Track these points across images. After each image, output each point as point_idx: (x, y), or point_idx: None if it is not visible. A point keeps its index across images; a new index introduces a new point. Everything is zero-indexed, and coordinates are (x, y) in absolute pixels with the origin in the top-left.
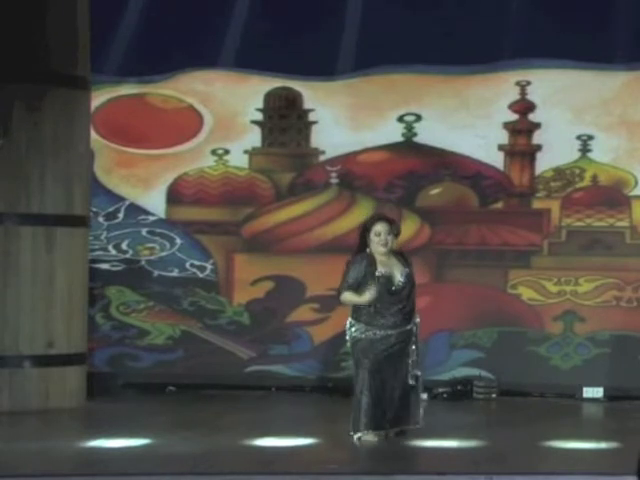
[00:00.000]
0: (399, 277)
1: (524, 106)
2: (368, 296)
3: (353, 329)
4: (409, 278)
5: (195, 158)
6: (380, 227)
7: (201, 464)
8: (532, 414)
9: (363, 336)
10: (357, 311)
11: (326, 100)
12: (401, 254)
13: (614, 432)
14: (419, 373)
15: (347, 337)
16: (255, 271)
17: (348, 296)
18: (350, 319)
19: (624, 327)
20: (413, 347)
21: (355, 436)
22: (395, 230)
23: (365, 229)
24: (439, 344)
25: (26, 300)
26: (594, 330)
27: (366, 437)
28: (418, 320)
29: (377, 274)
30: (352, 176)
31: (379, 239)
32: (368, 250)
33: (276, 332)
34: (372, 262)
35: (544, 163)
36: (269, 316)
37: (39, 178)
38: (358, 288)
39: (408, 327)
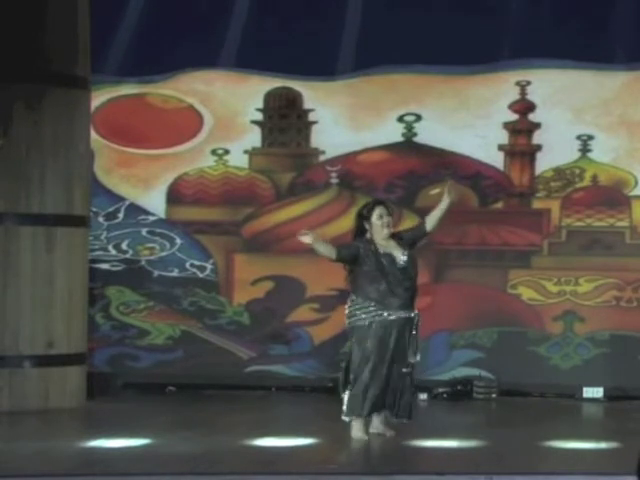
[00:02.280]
0: (401, 256)
1: (524, 106)
2: (329, 250)
3: (360, 311)
4: (411, 258)
5: (195, 158)
6: (380, 210)
7: (201, 464)
8: (532, 414)
9: (371, 321)
10: (364, 288)
11: (326, 100)
12: (399, 237)
13: (614, 432)
14: (413, 360)
15: (349, 317)
16: (255, 271)
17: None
18: (354, 297)
19: (624, 327)
20: (413, 332)
21: (347, 418)
22: (392, 211)
23: (363, 217)
24: (439, 344)
25: (26, 300)
26: (594, 330)
27: (356, 428)
28: (417, 312)
29: (381, 251)
30: (352, 176)
31: (382, 222)
32: (368, 235)
33: (276, 332)
34: (371, 242)
35: (544, 163)
36: (269, 316)
37: (39, 178)
38: (354, 261)
39: (412, 315)
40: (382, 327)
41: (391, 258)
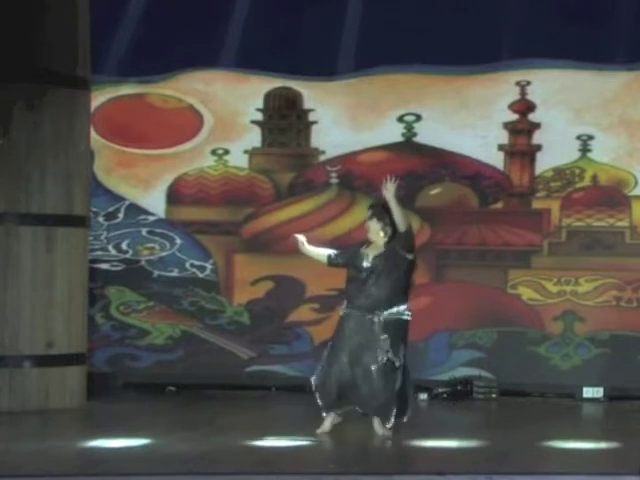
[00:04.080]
0: (366, 260)
1: (524, 106)
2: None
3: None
4: (376, 264)
5: (195, 158)
6: (366, 214)
7: (201, 464)
8: (532, 414)
9: (342, 314)
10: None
11: (326, 100)
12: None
13: (614, 432)
14: (386, 359)
15: None
16: (255, 271)
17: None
18: None
19: (624, 327)
20: (384, 336)
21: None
22: (375, 215)
23: None
24: (439, 344)
25: (26, 300)
26: (594, 330)
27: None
28: (390, 314)
29: (360, 252)
30: (352, 176)
31: (365, 225)
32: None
33: (276, 332)
34: (364, 244)
35: (544, 163)
36: (269, 316)
37: (39, 178)
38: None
39: (369, 316)
40: (343, 322)
41: (362, 260)
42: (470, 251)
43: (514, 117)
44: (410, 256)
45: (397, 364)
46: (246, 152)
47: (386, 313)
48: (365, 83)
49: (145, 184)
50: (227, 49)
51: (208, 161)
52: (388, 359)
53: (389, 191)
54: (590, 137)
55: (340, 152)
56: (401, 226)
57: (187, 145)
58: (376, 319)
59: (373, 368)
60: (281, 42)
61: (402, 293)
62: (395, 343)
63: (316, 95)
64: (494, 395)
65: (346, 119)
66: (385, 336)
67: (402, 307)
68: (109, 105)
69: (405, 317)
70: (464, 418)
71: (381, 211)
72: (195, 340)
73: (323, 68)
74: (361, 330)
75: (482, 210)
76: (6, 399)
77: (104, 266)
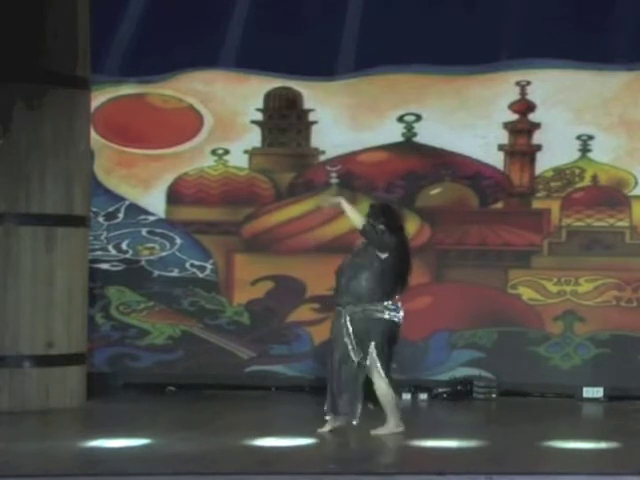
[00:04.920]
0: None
1: (524, 106)
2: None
3: None
4: (350, 260)
5: (195, 158)
6: None
7: (201, 464)
8: (532, 414)
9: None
10: None
11: (326, 100)
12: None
13: (614, 432)
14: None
15: None
16: (255, 271)
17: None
18: None
19: (624, 327)
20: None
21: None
22: (371, 214)
23: None
24: (439, 344)
25: (26, 300)
26: (594, 330)
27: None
28: (363, 311)
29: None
30: (352, 176)
31: None
32: None
33: (276, 332)
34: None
35: (544, 163)
36: (269, 316)
37: (39, 178)
38: None
39: (340, 310)
40: (333, 319)
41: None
42: (470, 251)
43: (514, 117)
44: (383, 255)
45: (362, 363)
46: (246, 152)
47: (356, 309)
48: (365, 83)
49: (145, 184)
50: (227, 49)
51: (208, 161)
52: (349, 356)
53: (331, 201)
54: (590, 137)
55: (340, 152)
56: (353, 223)
57: (187, 145)
58: (344, 313)
59: (339, 363)
60: (281, 42)
61: (378, 292)
62: (362, 341)
63: (316, 95)
64: (494, 395)
65: (346, 119)
66: (350, 332)
67: (377, 306)
68: (109, 105)
69: (379, 315)
70: (464, 418)
71: (377, 211)
72: (195, 340)
73: (323, 68)
74: (337, 324)
75: (482, 210)
76: (6, 399)
77: (104, 266)
